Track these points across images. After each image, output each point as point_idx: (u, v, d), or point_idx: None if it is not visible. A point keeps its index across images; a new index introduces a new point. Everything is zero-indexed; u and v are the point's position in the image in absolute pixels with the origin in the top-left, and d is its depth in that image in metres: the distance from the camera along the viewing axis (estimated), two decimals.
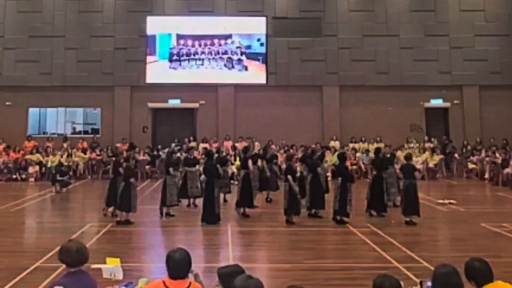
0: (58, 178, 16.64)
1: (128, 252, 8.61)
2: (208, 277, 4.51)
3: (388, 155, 13.62)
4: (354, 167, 20.18)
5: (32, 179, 19.58)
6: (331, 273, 7.46)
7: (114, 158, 20.14)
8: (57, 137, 22.49)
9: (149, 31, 23.08)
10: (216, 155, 13.20)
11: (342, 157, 12.12)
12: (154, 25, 23.15)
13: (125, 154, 13.71)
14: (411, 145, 21.59)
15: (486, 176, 19.18)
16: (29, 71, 22.62)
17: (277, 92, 22.95)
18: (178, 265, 3.56)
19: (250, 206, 12.19)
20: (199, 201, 13.30)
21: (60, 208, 14.12)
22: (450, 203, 13.68)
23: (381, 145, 20.55)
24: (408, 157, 11.85)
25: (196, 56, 23.11)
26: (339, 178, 11.37)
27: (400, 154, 16.42)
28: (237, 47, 23.13)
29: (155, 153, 20.95)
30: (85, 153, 21.12)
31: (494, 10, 23.47)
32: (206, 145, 21.54)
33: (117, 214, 11.60)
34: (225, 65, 23.11)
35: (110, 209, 12.01)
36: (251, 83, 23.06)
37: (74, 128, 23.80)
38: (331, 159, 20.02)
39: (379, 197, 11.90)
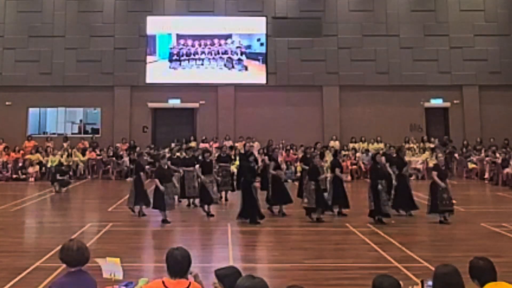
0: (58, 177, 16.63)
1: (128, 252, 8.60)
2: (208, 277, 4.50)
3: (394, 155, 13.66)
4: (354, 167, 20.19)
5: (32, 179, 19.57)
6: (331, 273, 7.45)
7: (114, 158, 20.41)
8: (57, 137, 22.50)
9: (149, 31, 23.08)
10: (217, 153, 13.28)
11: (375, 158, 12.19)
12: (154, 25, 23.15)
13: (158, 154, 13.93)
14: (411, 145, 21.62)
15: (486, 176, 19.19)
16: (29, 71, 22.62)
17: (277, 92, 22.95)
18: (178, 264, 3.56)
19: (287, 202, 12.34)
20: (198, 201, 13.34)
21: (60, 208, 14.10)
22: None
23: (381, 145, 20.63)
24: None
25: (196, 56, 23.11)
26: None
27: None
28: (237, 47, 23.13)
29: (155, 152, 20.93)
30: (84, 153, 21.09)
31: (494, 10, 23.47)
32: (206, 145, 21.56)
33: (145, 213, 11.84)
34: (225, 65, 23.11)
35: (137, 208, 12.16)
36: (251, 83, 23.06)
37: (80, 128, 23.77)
38: (331, 159, 20.02)
39: (406, 195, 12.01)
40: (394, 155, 13.15)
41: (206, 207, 12.25)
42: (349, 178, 19.55)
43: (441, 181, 11.09)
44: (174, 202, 11.80)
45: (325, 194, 12.16)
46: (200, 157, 13.66)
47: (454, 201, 13.65)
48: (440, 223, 11.01)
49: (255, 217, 11.13)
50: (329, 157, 19.65)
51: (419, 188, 15.25)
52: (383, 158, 13.14)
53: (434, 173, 11.31)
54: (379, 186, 11.12)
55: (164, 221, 11.18)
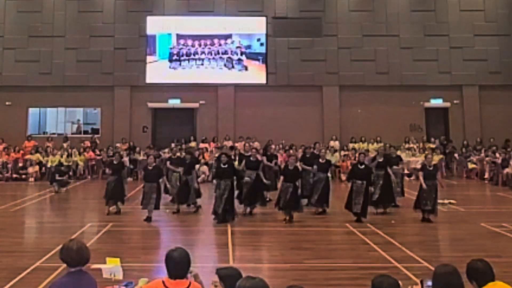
0: (57, 177, 16.62)
1: (128, 252, 8.60)
2: (208, 277, 4.51)
3: (394, 155, 13.78)
4: None
5: (32, 179, 19.57)
6: (331, 273, 7.45)
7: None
8: (57, 137, 22.50)
9: (149, 31, 23.08)
10: (217, 153, 13.36)
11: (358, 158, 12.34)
12: (154, 25, 23.15)
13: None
14: (410, 145, 21.61)
15: (486, 176, 19.19)
16: (29, 71, 22.62)
17: (277, 92, 22.95)
18: (177, 265, 3.56)
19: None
20: (199, 201, 13.34)
21: (60, 208, 14.10)
22: (450, 203, 13.68)
23: (381, 145, 20.62)
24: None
25: (196, 56, 23.11)
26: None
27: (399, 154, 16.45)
28: (237, 47, 23.13)
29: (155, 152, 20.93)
30: (82, 153, 21.04)
31: (494, 10, 23.48)
32: (206, 145, 21.57)
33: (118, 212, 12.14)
34: (225, 65, 23.10)
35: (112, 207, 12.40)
36: (251, 83, 23.06)
37: (78, 127, 23.77)
38: (336, 158, 20.20)
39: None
40: (394, 155, 13.23)
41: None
42: None
43: (425, 181, 11.27)
44: (149, 204, 11.47)
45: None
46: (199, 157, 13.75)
47: (448, 201, 13.73)
48: (421, 220, 11.19)
49: (215, 214, 11.30)
50: (328, 156, 19.75)
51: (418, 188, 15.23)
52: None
53: (420, 173, 11.61)
54: (353, 186, 11.39)
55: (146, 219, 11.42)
